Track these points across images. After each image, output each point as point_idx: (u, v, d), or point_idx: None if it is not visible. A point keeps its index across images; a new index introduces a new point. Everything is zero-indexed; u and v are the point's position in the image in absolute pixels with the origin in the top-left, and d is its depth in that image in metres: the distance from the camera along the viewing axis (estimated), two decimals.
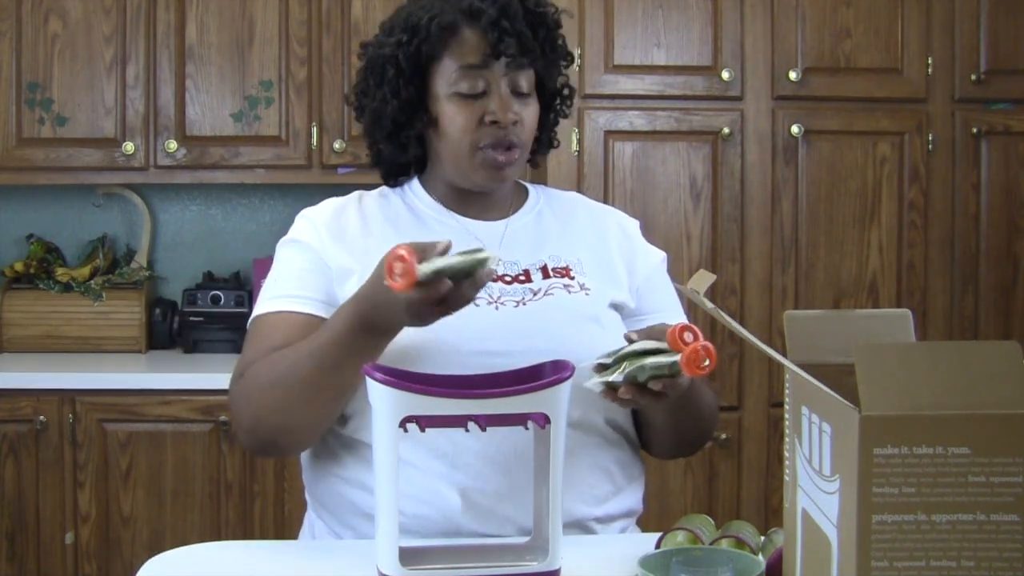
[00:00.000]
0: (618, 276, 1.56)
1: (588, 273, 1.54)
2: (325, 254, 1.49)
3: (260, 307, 1.50)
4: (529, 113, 1.51)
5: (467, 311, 1.44)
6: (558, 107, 1.61)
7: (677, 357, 1.22)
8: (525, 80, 1.50)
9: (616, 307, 1.53)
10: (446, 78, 1.49)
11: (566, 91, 1.61)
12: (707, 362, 1.21)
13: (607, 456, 1.49)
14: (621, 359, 1.28)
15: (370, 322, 1.31)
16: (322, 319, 1.44)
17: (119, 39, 2.99)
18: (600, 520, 1.47)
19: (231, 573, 1.29)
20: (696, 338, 1.22)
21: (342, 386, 1.38)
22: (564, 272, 1.52)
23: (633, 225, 1.65)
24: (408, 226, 1.55)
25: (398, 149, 1.56)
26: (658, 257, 1.63)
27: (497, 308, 1.46)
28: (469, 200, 1.56)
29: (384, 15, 1.59)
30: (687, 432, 1.53)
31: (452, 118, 1.49)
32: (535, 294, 1.49)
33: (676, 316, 1.58)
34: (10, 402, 2.77)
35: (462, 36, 1.48)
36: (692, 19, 2.82)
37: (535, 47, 1.48)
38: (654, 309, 1.56)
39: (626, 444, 1.53)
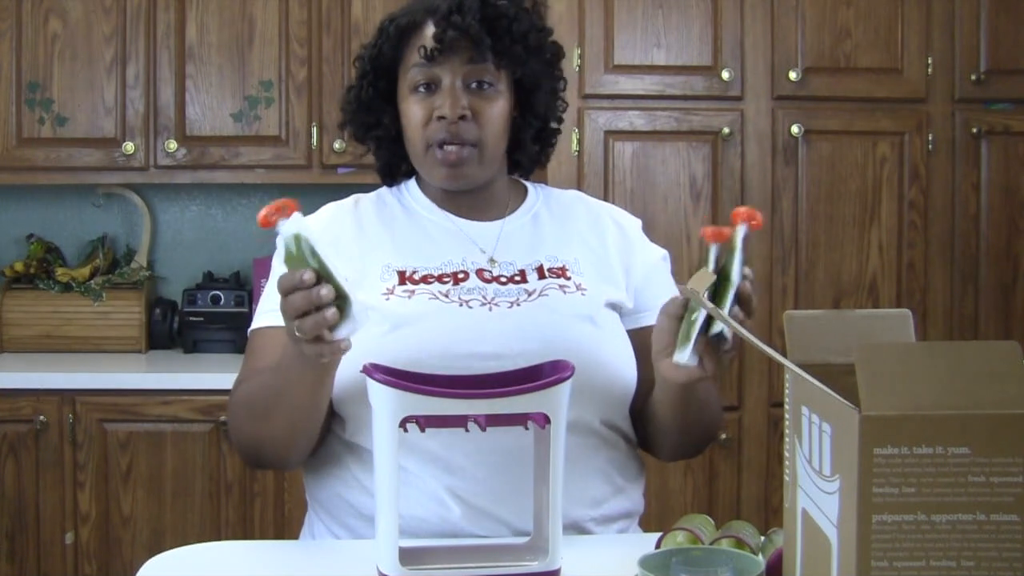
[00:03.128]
0: (615, 275, 1.54)
1: (585, 273, 1.52)
2: None
3: (255, 321, 1.52)
4: (492, 109, 1.49)
5: (460, 313, 1.44)
6: (543, 104, 1.56)
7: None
8: (486, 75, 1.48)
9: (613, 307, 1.52)
10: (405, 77, 1.51)
11: (560, 86, 1.58)
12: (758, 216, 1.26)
13: (604, 458, 1.48)
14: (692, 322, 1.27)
15: (287, 359, 1.31)
16: None
17: (119, 39, 2.99)
18: (598, 521, 1.46)
19: (231, 573, 1.29)
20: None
21: (292, 415, 1.37)
22: (560, 272, 1.51)
23: (633, 224, 1.63)
24: (403, 227, 1.55)
25: (371, 150, 1.59)
26: (657, 255, 1.60)
27: (491, 310, 1.45)
28: (463, 200, 1.55)
29: (384, 15, 1.59)
30: (693, 431, 1.51)
31: (408, 115, 1.50)
32: (530, 295, 1.48)
33: None
34: (10, 402, 2.77)
35: (422, 35, 1.49)
36: (692, 19, 2.82)
37: (483, 41, 1.46)
38: (653, 307, 1.53)
39: (623, 444, 1.52)
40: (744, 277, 1.26)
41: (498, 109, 1.50)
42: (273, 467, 1.58)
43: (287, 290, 1.19)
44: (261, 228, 1.18)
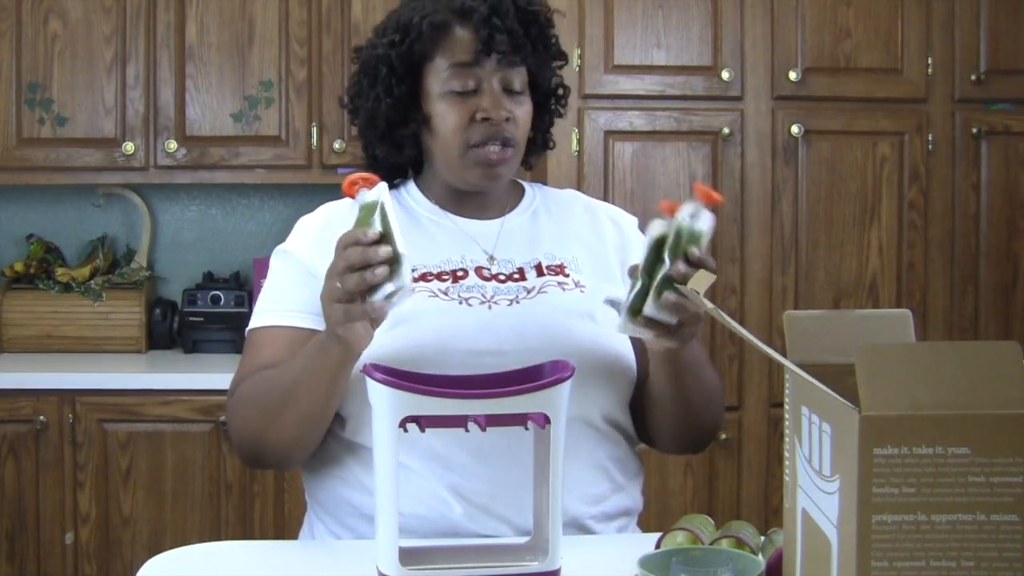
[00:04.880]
0: (613, 272, 1.55)
1: (584, 270, 1.53)
2: (313, 264, 1.49)
3: (253, 321, 1.52)
4: (522, 112, 1.51)
5: (460, 311, 1.45)
6: (552, 107, 1.60)
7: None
8: (518, 78, 1.50)
9: (612, 303, 1.52)
10: (438, 77, 1.49)
11: (560, 91, 1.60)
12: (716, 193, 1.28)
13: (604, 453, 1.48)
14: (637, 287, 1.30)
15: (321, 336, 1.33)
16: (312, 331, 1.45)
17: (119, 39, 2.99)
18: (597, 519, 1.47)
19: (231, 573, 1.29)
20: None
21: (306, 408, 1.38)
22: (559, 269, 1.52)
23: (629, 221, 1.64)
24: (403, 226, 1.53)
25: (393, 149, 1.56)
26: None
27: (490, 307, 1.46)
28: (464, 200, 1.56)
29: (384, 15, 1.59)
30: (693, 412, 1.49)
31: (444, 117, 1.49)
32: (529, 292, 1.49)
33: None
34: (10, 402, 2.77)
35: (454, 35, 1.48)
36: (692, 19, 2.82)
37: (526, 44, 1.48)
38: None
39: (624, 441, 1.52)
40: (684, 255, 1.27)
41: (527, 113, 1.52)
42: (273, 467, 1.58)
43: (348, 243, 1.24)
44: (344, 193, 1.27)
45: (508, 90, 1.49)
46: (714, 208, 1.28)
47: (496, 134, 1.47)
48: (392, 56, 1.51)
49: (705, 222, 1.28)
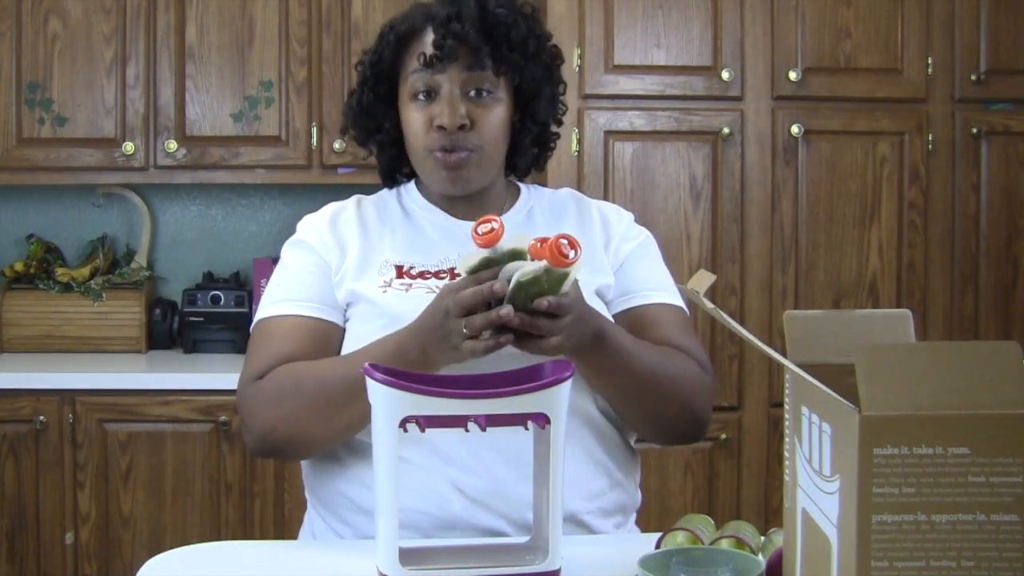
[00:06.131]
0: (601, 263, 1.56)
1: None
2: (327, 254, 1.52)
3: (266, 310, 1.52)
4: (490, 116, 1.50)
5: None
6: (535, 108, 1.56)
7: (543, 263, 1.25)
8: (485, 82, 1.49)
9: (600, 295, 1.53)
10: (406, 83, 1.52)
11: (559, 89, 1.59)
12: (573, 253, 1.24)
13: (601, 448, 1.49)
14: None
15: (413, 354, 1.32)
16: (327, 322, 1.47)
17: (119, 39, 2.99)
18: (594, 514, 1.47)
19: (231, 573, 1.29)
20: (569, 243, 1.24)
21: (364, 414, 1.35)
22: None
23: (618, 216, 1.63)
24: (402, 226, 1.57)
25: (373, 153, 1.61)
26: (637, 239, 1.61)
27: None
28: (460, 201, 1.57)
29: (384, 15, 1.61)
30: (641, 406, 1.47)
31: (409, 122, 1.52)
32: None
33: (662, 292, 1.56)
34: (10, 402, 2.77)
35: (422, 41, 1.50)
36: (692, 19, 2.82)
37: (481, 49, 1.47)
38: (635, 289, 1.55)
39: (619, 437, 1.53)
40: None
41: (496, 116, 1.51)
42: (289, 459, 1.59)
43: (469, 285, 1.27)
44: (485, 245, 1.27)
45: (475, 94, 1.49)
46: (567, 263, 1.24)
47: (451, 142, 1.48)
48: (366, 64, 1.55)
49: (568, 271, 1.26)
